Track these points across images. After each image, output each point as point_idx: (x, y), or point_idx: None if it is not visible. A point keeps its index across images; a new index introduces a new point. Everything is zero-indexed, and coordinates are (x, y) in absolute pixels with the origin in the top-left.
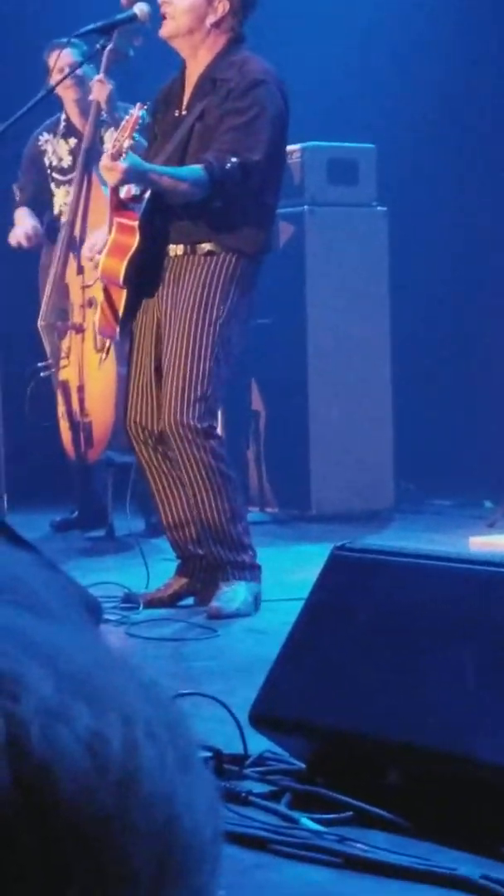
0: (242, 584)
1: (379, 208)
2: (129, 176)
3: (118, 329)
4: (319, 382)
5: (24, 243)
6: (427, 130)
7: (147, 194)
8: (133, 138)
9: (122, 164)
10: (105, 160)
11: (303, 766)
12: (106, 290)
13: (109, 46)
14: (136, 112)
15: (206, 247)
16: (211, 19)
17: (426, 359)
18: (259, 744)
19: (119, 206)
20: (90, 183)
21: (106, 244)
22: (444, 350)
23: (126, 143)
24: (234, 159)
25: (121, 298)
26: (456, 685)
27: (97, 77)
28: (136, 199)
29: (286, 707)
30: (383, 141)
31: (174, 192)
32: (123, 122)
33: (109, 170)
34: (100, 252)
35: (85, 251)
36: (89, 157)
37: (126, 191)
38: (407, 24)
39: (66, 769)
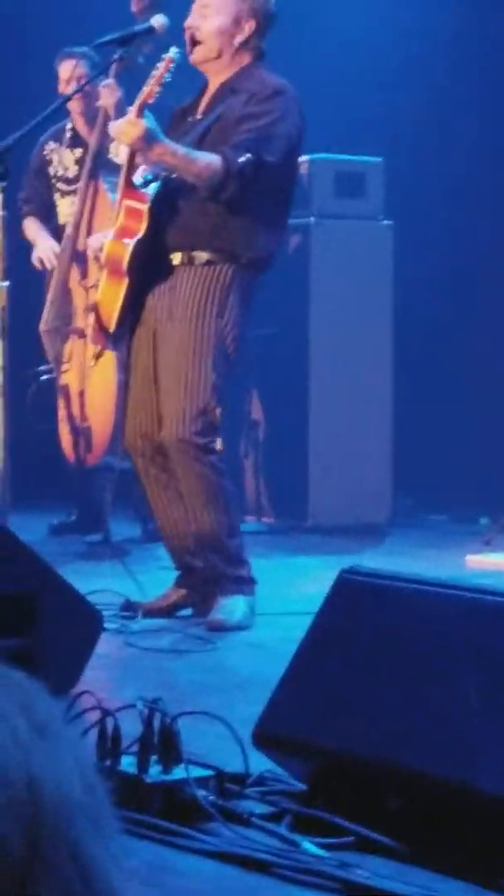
0: (241, 598)
1: (385, 222)
2: (147, 136)
3: (108, 340)
4: (320, 394)
5: (48, 265)
6: (435, 144)
7: (158, 181)
8: (164, 82)
9: (144, 122)
10: (130, 115)
11: (302, 787)
12: (95, 306)
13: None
14: (170, 55)
15: (205, 256)
16: (238, 39)
17: (427, 373)
18: (256, 763)
19: (130, 186)
20: (96, 190)
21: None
22: (445, 364)
23: (156, 90)
24: (248, 155)
25: (113, 307)
26: (459, 713)
27: (106, 82)
28: (148, 183)
29: (290, 727)
30: (391, 154)
31: (186, 170)
32: (154, 71)
33: (132, 124)
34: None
35: (91, 241)
36: (96, 165)
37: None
38: (416, 38)
39: None
